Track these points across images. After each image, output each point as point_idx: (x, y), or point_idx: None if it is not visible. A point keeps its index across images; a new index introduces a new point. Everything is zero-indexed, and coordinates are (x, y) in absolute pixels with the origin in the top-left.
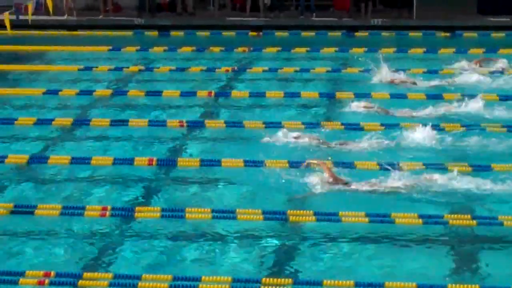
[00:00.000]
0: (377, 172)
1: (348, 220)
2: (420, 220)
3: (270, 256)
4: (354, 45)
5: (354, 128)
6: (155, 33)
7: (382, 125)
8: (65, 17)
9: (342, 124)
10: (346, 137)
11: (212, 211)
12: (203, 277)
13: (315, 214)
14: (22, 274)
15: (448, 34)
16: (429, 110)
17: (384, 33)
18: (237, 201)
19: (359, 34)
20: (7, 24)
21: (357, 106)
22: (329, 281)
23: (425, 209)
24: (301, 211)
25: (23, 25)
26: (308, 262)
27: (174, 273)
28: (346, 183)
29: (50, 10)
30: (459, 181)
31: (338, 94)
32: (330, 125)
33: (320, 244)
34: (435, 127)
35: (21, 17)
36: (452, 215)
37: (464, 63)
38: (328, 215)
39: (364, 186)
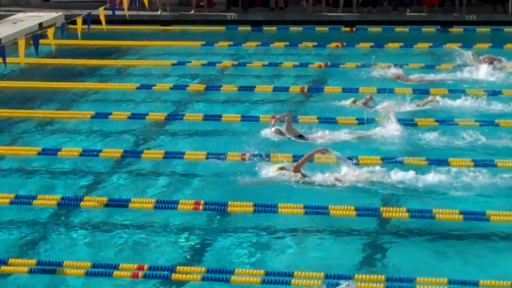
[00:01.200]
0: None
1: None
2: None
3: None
4: (449, 40)
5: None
6: (248, 28)
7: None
8: (158, 12)
9: (436, 120)
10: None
11: (305, 207)
12: (295, 272)
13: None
14: (116, 267)
15: None
16: None
17: (479, 29)
18: (329, 200)
19: (453, 29)
20: (102, 19)
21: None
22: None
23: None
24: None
25: (118, 20)
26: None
27: (266, 267)
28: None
29: (147, 5)
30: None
31: (432, 91)
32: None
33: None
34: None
35: (116, 12)
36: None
37: None
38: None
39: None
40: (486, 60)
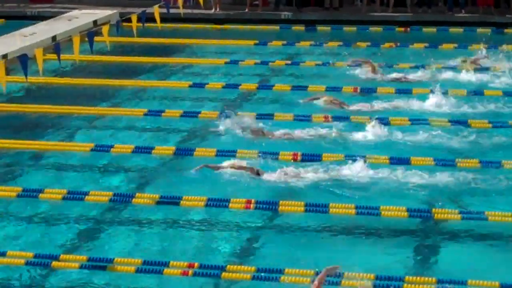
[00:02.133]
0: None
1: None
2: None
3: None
4: (504, 41)
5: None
6: (301, 27)
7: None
8: (212, 10)
9: (489, 122)
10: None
11: (356, 207)
12: (345, 273)
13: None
14: (166, 264)
15: None
16: None
17: None
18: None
19: (508, 30)
20: (157, 17)
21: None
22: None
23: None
24: None
25: (172, 18)
26: None
27: (316, 266)
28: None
29: (201, 3)
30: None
31: (486, 92)
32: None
33: None
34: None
35: (170, 10)
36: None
37: None
38: None
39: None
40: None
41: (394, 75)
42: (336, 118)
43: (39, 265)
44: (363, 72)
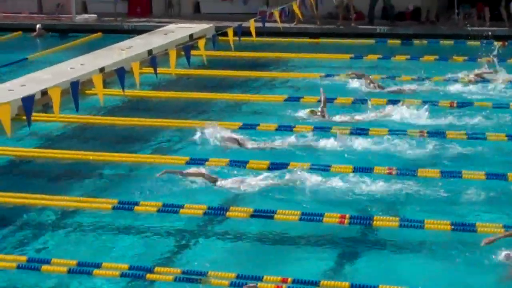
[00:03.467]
0: None
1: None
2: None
3: None
4: None
5: None
6: (397, 41)
7: None
8: (307, 25)
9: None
10: None
11: (452, 224)
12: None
13: None
14: (260, 278)
15: None
16: None
17: None
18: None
19: None
20: (253, 31)
21: None
22: None
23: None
24: None
25: (267, 32)
26: None
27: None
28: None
29: (300, 16)
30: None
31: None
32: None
33: None
34: None
35: (266, 24)
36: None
37: None
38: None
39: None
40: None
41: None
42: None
43: (133, 277)
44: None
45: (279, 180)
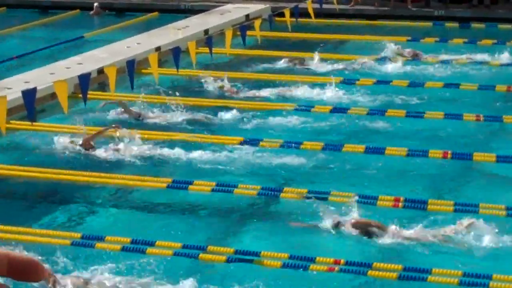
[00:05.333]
0: None
1: None
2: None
3: None
4: None
5: None
6: (455, 24)
7: None
8: (365, 6)
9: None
10: None
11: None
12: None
13: None
14: (312, 260)
15: None
16: None
17: None
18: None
19: None
20: (311, 12)
21: None
22: None
23: None
24: None
25: (324, 13)
26: None
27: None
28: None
29: None
30: None
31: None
32: None
33: None
34: None
35: (324, 5)
36: None
37: None
38: None
39: None
40: (408, 53)
41: None
42: None
43: (187, 256)
44: None
45: None
